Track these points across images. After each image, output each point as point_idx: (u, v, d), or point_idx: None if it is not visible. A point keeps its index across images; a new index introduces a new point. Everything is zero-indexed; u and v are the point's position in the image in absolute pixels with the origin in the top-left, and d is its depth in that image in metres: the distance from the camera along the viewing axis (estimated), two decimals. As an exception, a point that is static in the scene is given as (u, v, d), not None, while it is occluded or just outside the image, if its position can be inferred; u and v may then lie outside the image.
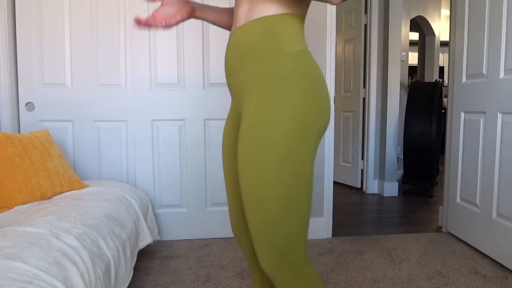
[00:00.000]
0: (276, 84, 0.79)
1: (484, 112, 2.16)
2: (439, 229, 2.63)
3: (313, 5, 2.36)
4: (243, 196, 0.81)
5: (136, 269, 1.97)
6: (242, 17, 0.88)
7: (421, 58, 5.23)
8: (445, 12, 6.34)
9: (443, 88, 6.34)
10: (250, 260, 1.07)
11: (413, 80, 3.87)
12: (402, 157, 3.94)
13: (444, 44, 6.74)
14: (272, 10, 0.83)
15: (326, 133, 2.42)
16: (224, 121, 2.40)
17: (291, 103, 0.77)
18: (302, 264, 0.82)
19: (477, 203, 2.22)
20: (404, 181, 3.73)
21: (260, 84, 0.81)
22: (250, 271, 1.10)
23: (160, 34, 2.31)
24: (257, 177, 0.78)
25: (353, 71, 3.93)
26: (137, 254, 2.11)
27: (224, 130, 1.03)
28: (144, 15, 2.28)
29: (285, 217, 0.78)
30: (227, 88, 2.39)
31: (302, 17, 0.87)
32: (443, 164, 5.23)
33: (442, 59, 7.62)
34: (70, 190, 1.80)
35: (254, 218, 0.80)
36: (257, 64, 0.83)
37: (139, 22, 0.92)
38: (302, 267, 0.82)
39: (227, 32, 2.35)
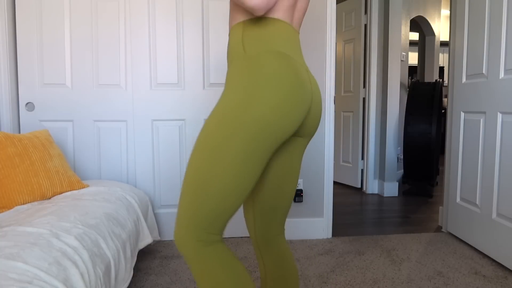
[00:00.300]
0: (233, 84, 0.85)
1: (484, 112, 2.16)
2: (439, 229, 2.63)
3: (313, 6, 2.36)
4: (187, 165, 0.87)
5: (136, 269, 1.97)
6: (229, 25, 0.99)
7: (421, 58, 5.23)
8: (445, 12, 6.34)
9: (443, 88, 6.34)
10: (257, 254, 1.10)
11: (413, 80, 3.87)
12: (402, 157, 3.94)
13: (444, 44, 6.74)
14: (242, 17, 0.91)
15: (326, 133, 2.42)
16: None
17: (251, 102, 0.81)
18: (207, 242, 0.83)
19: (477, 203, 2.22)
20: (404, 181, 3.74)
21: (232, 81, 0.87)
22: (258, 264, 1.13)
23: (160, 34, 2.31)
24: (204, 166, 0.82)
25: (353, 71, 3.93)
26: (137, 254, 2.11)
27: None
28: (144, 15, 2.28)
29: (207, 194, 0.82)
30: (227, 88, 2.39)
31: (278, 19, 0.90)
32: (443, 164, 5.23)
33: (442, 59, 7.62)
34: (70, 190, 1.80)
35: (185, 182, 0.85)
36: (232, 64, 0.91)
37: None
38: (206, 245, 0.83)
39: (227, 32, 2.36)
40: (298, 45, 0.95)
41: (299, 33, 1.00)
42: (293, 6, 0.93)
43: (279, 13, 0.90)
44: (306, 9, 1.02)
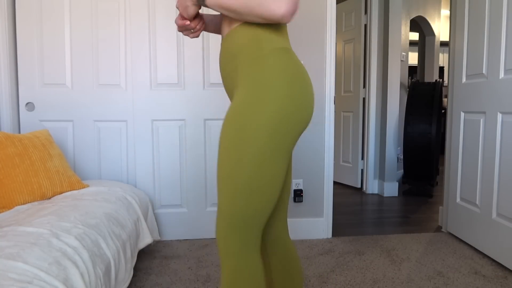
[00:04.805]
0: (257, 80, 0.86)
1: (484, 112, 2.16)
2: (439, 229, 2.63)
3: (313, 6, 2.36)
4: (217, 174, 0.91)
5: (136, 269, 1.97)
6: (226, 26, 0.97)
7: (421, 58, 5.23)
8: (445, 12, 6.34)
9: (443, 88, 6.34)
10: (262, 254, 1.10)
11: (413, 80, 3.87)
12: (402, 157, 3.94)
13: (444, 44, 6.74)
14: None
15: (326, 133, 2.42)
16: (224, 121, 2.40)
17: (267, 97, 0.83)
18: (233, 254, 0.88)
19: (477, 203, 2.22)
20: (404, 181, 3.73)
21: (246, 81, 0.88)
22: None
23: (160, 34, 2.31)
24: (230, 164, 0.86)
25: (353, 71, 3.93)
26: (137, 254, 2.11)
27: None
28: (144, 16, 2.28)
29: (233, 203, 0.86)
30: (227, 88, 2.39)
31: None
32: (443, 164, 5.23)
33: (442, 59, 7.62)
34: (70, 190, 1.80)
35: (219, 193, 0.91)
36: (244, 64, 0.89)
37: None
38: (232, 257, 0.88)
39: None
40: None
41: None
42: None
43: None
44: None
